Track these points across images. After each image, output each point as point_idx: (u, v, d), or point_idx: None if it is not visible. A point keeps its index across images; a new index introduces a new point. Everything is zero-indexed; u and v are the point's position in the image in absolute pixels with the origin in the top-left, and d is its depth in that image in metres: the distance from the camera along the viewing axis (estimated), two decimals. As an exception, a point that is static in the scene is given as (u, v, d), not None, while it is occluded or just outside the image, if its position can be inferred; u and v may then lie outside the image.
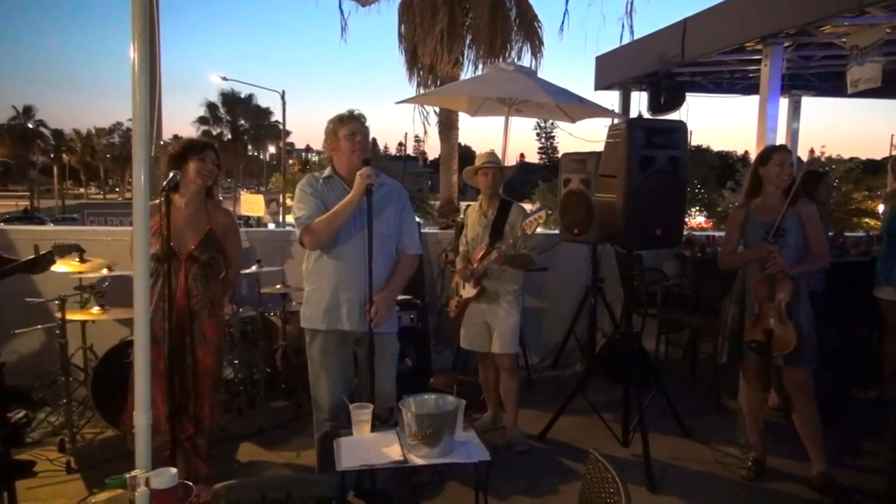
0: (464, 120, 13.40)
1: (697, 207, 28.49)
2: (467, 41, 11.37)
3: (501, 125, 5.86)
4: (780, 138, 5.43)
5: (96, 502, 1.84)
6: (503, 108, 5.74)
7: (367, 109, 3.32)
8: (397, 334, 3.44)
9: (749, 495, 3.72)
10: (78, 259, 4.15)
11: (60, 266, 4.04)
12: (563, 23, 11.35)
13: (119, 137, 65.16)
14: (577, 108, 5.69)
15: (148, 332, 2.28)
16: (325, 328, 3.21)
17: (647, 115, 6.02)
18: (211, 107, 54.59)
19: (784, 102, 6.88)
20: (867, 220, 20.89)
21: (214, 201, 3.54)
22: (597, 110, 5.74)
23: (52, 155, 62.34)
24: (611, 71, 6.82)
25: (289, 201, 33.53)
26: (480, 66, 11.18)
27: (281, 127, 35.08)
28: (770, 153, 3.70)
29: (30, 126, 57.98)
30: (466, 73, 11.40)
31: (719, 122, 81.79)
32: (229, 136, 54.49)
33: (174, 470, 1.88)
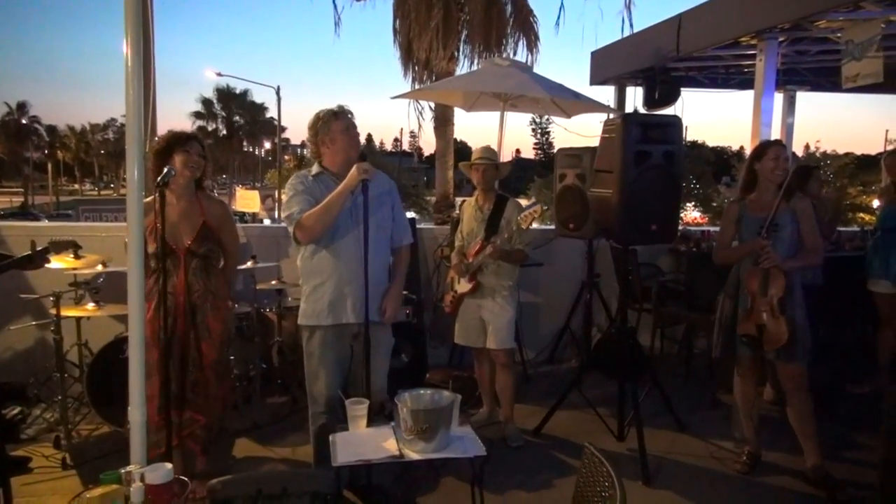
0: (459, 115, 13.36)
1: (693, 203, 28.51)
2: (462, 36, 11.33)
3: (497, 120, 5.86)
4: (775, 133, 5.43)
5: (91, 498, 1.83)
6: (498, 104, 5.73)
7: (362, 105, 3.42)
8: (393, 329, 3.45)
9: (744, 489, 3.74)
10: (73, 255, 4.14)
11: (55, 262, 4.03)
12: (558, 18, 11.33)
13: (114, 133, 64.97)
14: (572, 103, 5.68)
15: (142, 328, 2.28)
16: (331, 323, 3.20)
17: (642, 110, 6.02)
18: (206, 102, 54.52)
19: (779, 97, 6.89)
20: (862, 215, 20.98)
21: (206, 193, 3.51)
22: (592, 105, 5.73)
23: (46, 151, 62.18)
24: (606, 66, 6.81)
25: (284, 197, 33.46)
26: (476, 62, 11.15)
27: (276, 122, 35.01)
28: (765, 148, 3.71)
29: (24, 122, 57.75)
30: (462, 68, 11.37)
31: (714, 118, 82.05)
32: (224, 132, 54.42)
33: (169, 465, 1.88)
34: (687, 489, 3.70)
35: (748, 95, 4.62)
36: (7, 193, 54.63)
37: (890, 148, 15.34)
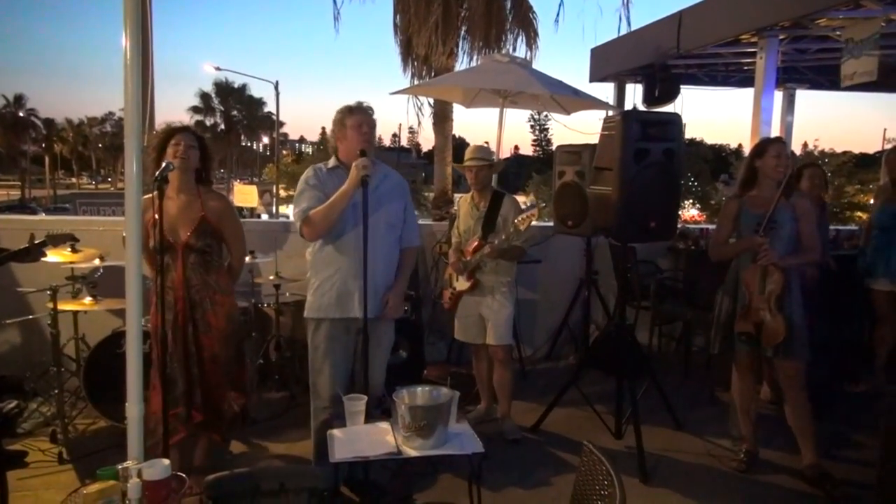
0: (458, 111, 13.37)
1: (691, 200, 28.56)
2: (462, 32, 11.29)
3: (496, 117, 5.84)
4: (774, 131, 5.43)
5: (88, 493, 1.83)
6: (498, 100, 5.72)
7: (361, 100, 3.33)
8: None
9: (741, 487, 3.74)
10: (70, 249, 4.12)
11: (52, 256, 4.01)
12: (558, 14, 11.31)
13: (111, 127, 64.73)
14: (571, 99, 5.68)
15: (140, 324, 2.27)
16: (338, 316, 3.24)
17: (641, 108, 6.01)
18: (204, 97, 54.32)
19: (778, 95, 6.88)
20: (860, 213, 20.99)
21: (208, 188, 3.46)
22: (592, 102, 5.72)
23: (43, 144, 61.95)
24: (606, 63, 6.81)
25: (282, 192, 33.43)
26: (475, 58, 11.11)
27: (274, 117, 34.93)
28: (767, 145, 3.70)
29: (21, 115, 57.52)
30: (461, 64, 11.33)
31: (712, 115, 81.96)
32: (223, 127, 54.24)
33: (167, 461, 1.87)
34: (684, 487, 3.70)
35: (747, 93, 4.63)
36: (4, 187, 54.44)
37: (889, 146, 15.33)
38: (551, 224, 5.48)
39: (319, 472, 2.31)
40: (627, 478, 3.61)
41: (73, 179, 71.64)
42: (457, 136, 15.31)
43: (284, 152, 52.11)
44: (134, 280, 2.22)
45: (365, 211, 3.00)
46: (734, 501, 3.63)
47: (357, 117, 3.22)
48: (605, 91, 7.17)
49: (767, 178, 3.64)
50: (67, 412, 4.14)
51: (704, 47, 5.24)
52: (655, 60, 5.70)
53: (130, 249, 2.16)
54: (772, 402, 4.75)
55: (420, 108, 11.74)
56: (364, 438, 2.63)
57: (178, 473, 1.91)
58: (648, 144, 3.79)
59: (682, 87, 6.01)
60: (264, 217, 26.78)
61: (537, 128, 66.39)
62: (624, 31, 8.45)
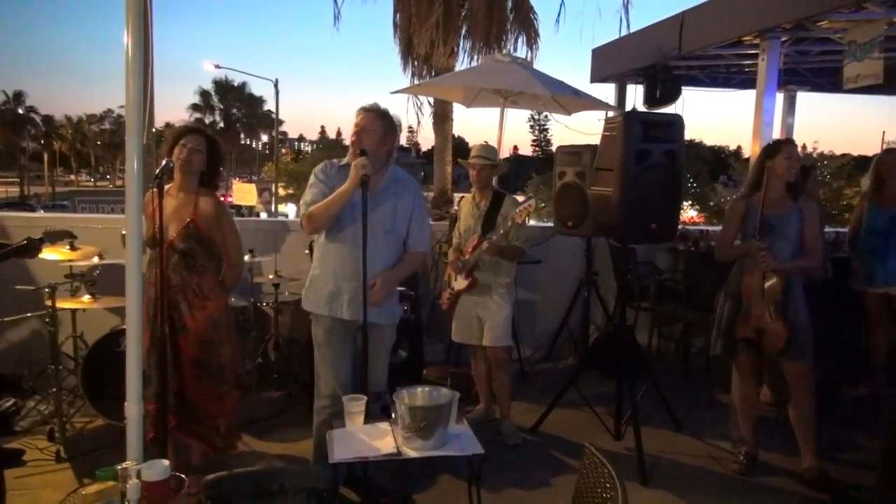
0: (458, 111, 13.35)
1: (690, 202, 28.53)
2: (463, 32, 11.29)
3: (496, 116, 5.84)
4: (776, 133, 5.41)
5: (87, 494, 1.81)
6: (498, 100, 5.71)
7: (361, 99, 3.42)
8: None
9: (740, 489, 3.74)
10: (69, 247, 4.11)
11: (51, 253, 4.00)
12: (559, 14, 11.33)
13: (110, 124, 64.72)
14: (572, 100, 5.67)
15: (140, 322, 2.26)
16: (327, 314, 3.24)
17: (642, 109, 6.00)
18: (204, 94, 54.35)
19: (779, 97, 6.87)
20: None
21: (208, 191, 3.39)
22: (592, 103, 5.72)
23: (42, 141, 61.84)
24: (607, 63, 6.78)
25: (281, 190, 33.41)
26: (476, 57, 11.12)
27: (274, 116, 34.87)
28: (779, 146, 3.69)
29: (20, 112, 57.42)
30: (462, 63, 11.34)
31: (711, 117, 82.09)
32: (222, 125, 54.20)
33: (166, 462, 1.86)
34: (683, 489, 3.69)
35: (747, 95, 4.62)
36: (3, 183, 54.43)
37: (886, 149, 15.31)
38: (551, 224, 5.47)
39: (319, 472, 2.30)
40: (626, 480, 3.58)
41: (72, 177, 71.57)
42: (456, 135, 15.31)
43: (284, 151, 52.10)
44: (134, 278, 2.21)
45: (364, 211, 2.99)
46: (733, 504, 3.62)
47: (358, 117, 3.24)
48: (606, 92, 7.13)
49: (778, 178, 3.62)
50: (65, 410, 4.11)
51: (706, 48, 5.22)
52: (657, 61, 5.68)
53: (131, 247, 2.15)
54: (771, 405, 4.74)
55: (420, 108, 11.76)
56: (364, 439, 2.61)
57: (178, 474, 1.90)
58: (650, 145, 3.79)
59: (683, 88, 5.99)
60: (263, 215, 26.78)
61: (537, 128, 66.54)
62: (624, 33, 8.46)
